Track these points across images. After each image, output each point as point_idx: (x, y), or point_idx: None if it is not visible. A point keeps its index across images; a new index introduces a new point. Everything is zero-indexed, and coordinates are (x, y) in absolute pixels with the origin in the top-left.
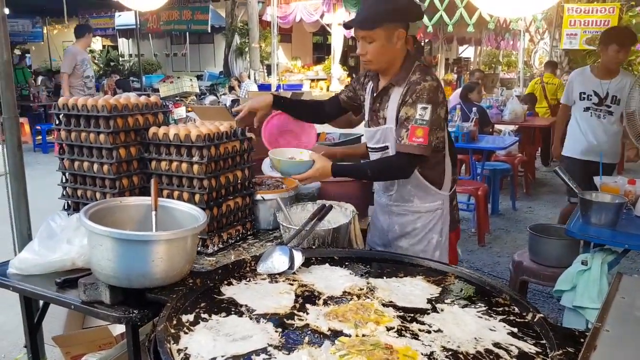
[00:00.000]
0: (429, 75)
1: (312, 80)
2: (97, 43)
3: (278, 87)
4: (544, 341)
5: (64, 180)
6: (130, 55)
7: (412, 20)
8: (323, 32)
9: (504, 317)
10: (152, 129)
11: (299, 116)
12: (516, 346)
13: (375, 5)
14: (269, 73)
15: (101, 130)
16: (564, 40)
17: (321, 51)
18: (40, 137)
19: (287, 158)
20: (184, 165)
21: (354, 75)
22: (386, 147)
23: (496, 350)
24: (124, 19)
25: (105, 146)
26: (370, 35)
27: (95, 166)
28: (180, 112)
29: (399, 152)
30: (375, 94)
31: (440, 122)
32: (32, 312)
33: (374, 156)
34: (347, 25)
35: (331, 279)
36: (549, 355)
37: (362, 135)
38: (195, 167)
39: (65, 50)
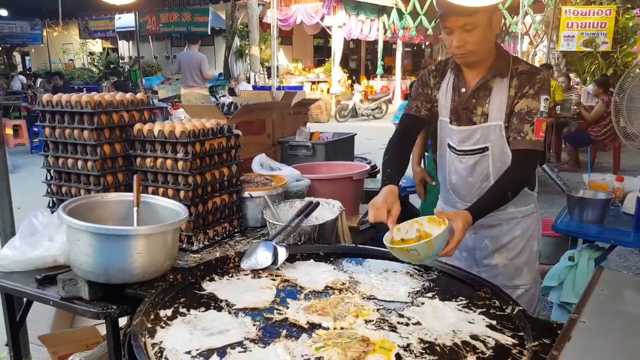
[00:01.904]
0: (536, 65)
1: (313, 82)
2: (97, 45)
3: (278, 88)
4: (521, 333)
5: (48, 178)
6: (130, 57)
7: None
8: (324, 34)
9: (484, 310)
10: (137, 126)
11: (406, 167)
12: (493, 338)
13: None
14: (269, 75)
15: (85, 127)
16: (562, 42)
17: (322, 54)
18: (37, 140)
19: (414, 237)
20: (169, 162)
21: (354, 78)
22: (486, 149)
23: (473, 342)
24: (123, 21)
25: (89, 143)
26: (471, 22)
27: (80, 163)
28: (179, 114)
29: (524, 149)
30: (465, 90)
31: None
32: (14, 310)
33: (465, 160)
34: (442, 15)
35: (314, 274)
36: (525, 347)
37: (355, 134)
38: (180, 163)
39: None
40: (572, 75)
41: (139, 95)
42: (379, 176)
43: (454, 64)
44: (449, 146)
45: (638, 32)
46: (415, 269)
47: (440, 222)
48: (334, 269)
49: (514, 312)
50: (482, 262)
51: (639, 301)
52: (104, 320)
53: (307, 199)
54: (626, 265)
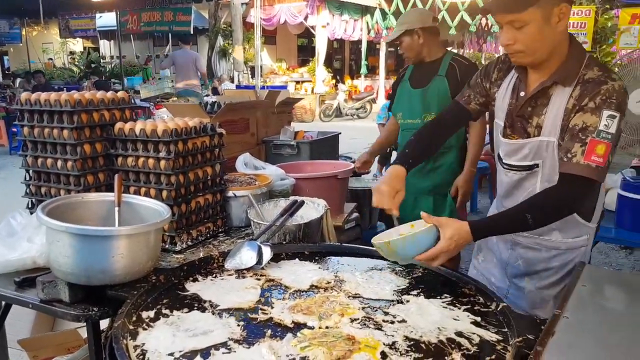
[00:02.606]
0: (614, 73)
1: (297, 82)
2: (78, 44)
3: (262, 87)
4: (506, 329)
5: (27, 178)
6: (112, 57)
7: None
8: (307, 34)
9: (469, 307)
10: (118, 125)
11: (432, 154)
12: (478, 334)
13: None
14: (253, 75)
15: (65, 126)
16: None
17: (306, 53)
18: (17, 140)
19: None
20: (151, 161)
21: (338, 78)
22: (535, 166)
23: (458, 339)
24: (104, 20)
25: (69, 142)
26: (519, 19)
27: (59, 163)
28: (161, 113)
29: (568, 174)
30: (524, 94)
31: (619, 139)
32: None
33: (510, 175)
34: (485, 10)
35: (299, 273)
36: (510, 343)
37: (339, 133)
38: (162, 162)
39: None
40: None
41: (120, 94)
42: (364, 175)
43: None
44: (498, 156)
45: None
46: (400, 267)
47: (429, 225)
48: (319, 267)
49: (498, 309)
50: (512, 280)
51: (620, 296)
52: (85, 323)
53: (292, 198)
54: (607, 262)
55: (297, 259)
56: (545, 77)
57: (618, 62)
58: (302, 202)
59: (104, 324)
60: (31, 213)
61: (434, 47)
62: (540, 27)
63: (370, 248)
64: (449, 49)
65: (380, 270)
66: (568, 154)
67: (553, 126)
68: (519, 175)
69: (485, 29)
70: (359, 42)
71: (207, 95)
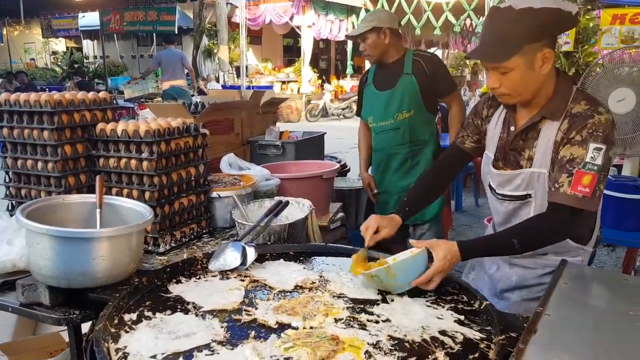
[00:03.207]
0: (601, 105)
1: (283, 82)
2: (61, 44)
3: (248, 87)
4: (489, 327)
5: (7, 180)
6: (95, 57)
7: (563, 31)
8: (293, 34)
9: (452, 305)
10: (100, 125)
11: (431, 202)
12: (461, 333)
13: (508, 26)
14: (239, 75)
15: (45, 127)
16: None
17: (291, 53)
18: None
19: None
20: (133, 162)
21: (324, 78)
22: (528, 196)
23: (442, 337)
24: (87, 20)
25: (49, 143)
26: (504, 66)
27: (40, 164)
28: (145, 114)
29: (555, 203)
30: (514, 128)
31: (608, 168)
32: None
33: (505, 205)
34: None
35: (284, 273)
36: (493, 341)
37: (324, 133)
38: (145, 163)
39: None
40: None
41: (102, 94)
42: (350, 175)
43: None
44: (490, 186)
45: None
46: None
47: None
48: (304, 268)
49: (482, 307)
50: (500, 295)
51: (601, 293)
52: (66, 327)
53: (277, 198)
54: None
55: (281, 260)
56: (534, 113)
57: (599, 62)
58: (287, 203)
59: (86, 327)
60: (11, 215)
61: (397, 48)
62: (523, 72)
63: (357, 248)
64: (433, 49)
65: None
66: (556, 184)
67: (543, 158)
68: (513, 205)
69: (470, 29)
70: (345, 42)
71: (192, 95)
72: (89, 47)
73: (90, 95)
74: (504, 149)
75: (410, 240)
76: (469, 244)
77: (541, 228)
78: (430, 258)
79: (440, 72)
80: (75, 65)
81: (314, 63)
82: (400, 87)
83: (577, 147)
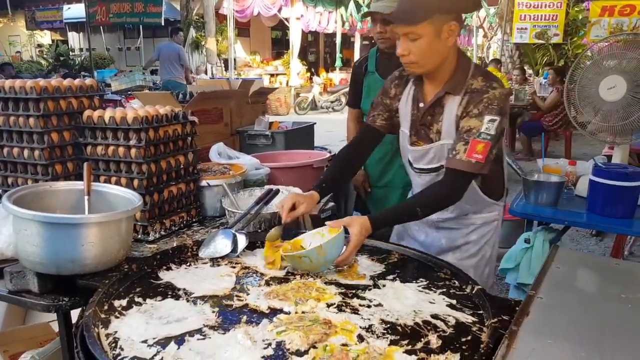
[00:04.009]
0: (495, 80)
1: (272, 75)
2: (46, 37)
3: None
4: (481, 311)
5: None
6: (81, 50)
7: (468, 11)
8: (282, 26)
9: (444, 290)
10: (87, 112)
11: (345, 183)
12: (454, 317)
13: None
14: (227, 67)
15: (31, 114)
16: (515, 34)
17: (280, 46)
18: None
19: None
20: (121, 150)
21: (313, 71)
22: (441, 167)
23: (434, 321)
24: (73, 12)
25: (35, 130)
26: (414, 31)
27: (26, 152)
28: (133, 104)
29: (450, 168)
30: (422, 104)
31: (500, 136)
32: None
33: (424, 178)
34: (386, 20)
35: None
36: (485, 324)
37: (314, 123)
38: (133, 151)
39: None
40: (525, 67)
41: (88, 81)
42: None
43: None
44: (409, 161)
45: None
46: (376, 252)
47: (337, 231)
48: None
49: (473, 292)
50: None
51: (592, 277)
52: (55, 314)
53: (267, 186)
54: (578, 248)
55: None
56: (439, 88)
57: (588, 53)
58: (278, 191)
59: (75, 315)
60: None
61: None
62: (431, 40)
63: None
64: None
65: (356, 256)
66: (453, 152)
67: (449, 131)
68: (429, 177)
69: None
70: (334, 34)
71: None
72: (75, 39)
73: (77, 82)
74: (415, 125)
75: (327, 223)
76: (377, 216)
77: (439, 193)
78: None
79: None
80: (61, 58)
81: (302, 56)
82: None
83: (474, 119)
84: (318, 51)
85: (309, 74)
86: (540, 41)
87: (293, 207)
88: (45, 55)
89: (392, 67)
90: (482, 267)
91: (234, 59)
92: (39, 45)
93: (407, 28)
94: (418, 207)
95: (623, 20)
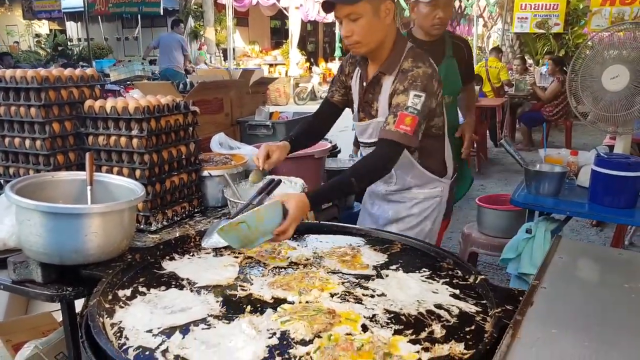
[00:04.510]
0: (423, 62)
1: (271, 65)
2: (44, 27)
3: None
4: (484, 301)
5: None
6: (80, 40)
7: None
8: (281, 16)
9: (447, 280)
10: (88, 102)
11: (308, 145)
12: (457, 306)
13: None
14: (225, 57)
15: (32, 104)
16: (515, 24)
17: (279, 36)
18: None
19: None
20: (123, 140)
21: (312, 61)
22: None
23: (437, 311)
24: (71, 1)
25: (37, 120)
26: (354, 11)
27: (27, 142)
28: (132, 94)
29: (380, 139)
30: (365, 83)
31: (428, 113)
32: None
33: (367, 151)
34: (326, 5)
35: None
36: (489, 314)
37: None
38: (135, 141)
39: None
40: (526, 57)
41: (89, 71)
42: (340, 156)
43: (361, 55)
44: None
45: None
46: (378, 242)
47: (274, 200)
48: (298, 245)
49: (477, 281)
50: (383, 228)
51: (595, 267)
52: (59, 304)
53: (269, 177)
54: (579, 239)
55: None
56: (377, 69)
57: (589, 43)
58: (279, 181)
59: (79, 306)
60: None
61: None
62: (370, 19)
63: (349, 225)
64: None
65: (358, 246)
66: (384, 124)
67: (384, 108)
68: (370, 150)
69: (459, 11)
70: (333, 24)
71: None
72: (73, 29)
73: (78, 71)
74: (361, 102)
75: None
76: (315, 193)
77: (370, 163)
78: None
79: (471, 57)
80: (59, 48)
81: (301, 45)
82: (443, 71)
83: (401, 95)
84: (317, 41)
85: (308, 64)
86: (541, 31)
87: (267, 156)
88: (43, 45)
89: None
90: (429, 238)
91: (233, 49)
92: (37, 35)
93: (348, 9)
94: (352, 177)
95: (624, 9)
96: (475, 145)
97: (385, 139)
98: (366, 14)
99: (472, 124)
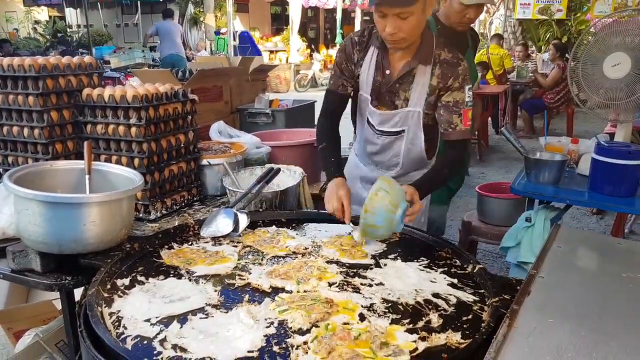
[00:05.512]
0: (457, 52)
1: (271, 51)
2: (43, 13)
3: (235, 53)
4: (482, 290)
5: None
6: (79, 26)
7: None
8: (281, 2)
9: (445, 269)
10: (86, 90)
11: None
12: (455, 296)
13: None
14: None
15: (30, 92)
16: (518, 10)
17: (280, 22)
18: None
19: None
20: (121, 128)
21: (313, 47)
22: (402, 132)
23: (435, 300)
24: None
25: (35, 109)
26: (407, 10)
27: (26, 130)
28: (132, 82)
29: (453, 140)
30: (389, 72)
31: None
32: None
33: (382, 139)
34: (380, 3)
35: (277, 239)
36: (486, 303)
37: (315, 101)
38: (133, 129)
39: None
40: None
41: (87, 59)
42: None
43: (380, 41)
44: (369, 122)
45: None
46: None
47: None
48: (297, 234)
49: (475, 271)
50: None
51: (593, 256)
52: (59, 294)
53: (268, 165)
54: (579, 227)
55: (274, 226)
56: (409, 58)
57: (591, 29)
58: (279, 170)
59: (78, 294)
60: None
61: None
62: (419, 17)
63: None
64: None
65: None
66: (452, 126)
67: (419, 99)
68: (389, 139)
69: None
70: (334, 10)
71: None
72: (72, 15)
73: (75, 59)
74: (378, 91)
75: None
76: (424, 187)
77: (455, 160)
78: None
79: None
80: (59, 35)
81: (302, 32)
82: (467, 59)
83: (457, 92)
84: (318, 27)
85: (309, 51)
86: (544, 17)
87: (342, 206)
88: (42, 32)
89: (453, 43)
90: (419, 217)
91: (233, 35)
92: (36, 22)
93: (402, 8)
94: (449, 174)
95: None
96: (477, 133)
97: (460, 140)
98: (417, 12)
99: (478, 104)
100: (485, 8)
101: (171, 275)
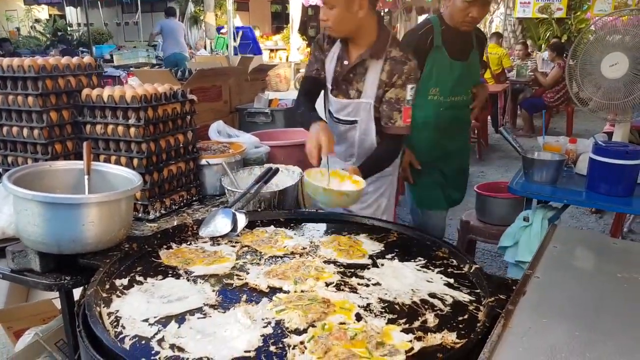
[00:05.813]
0: (409, 52)
1: (271, 50)
2: (44, 12)
3: (235, 52)
4: (478, 290)
5: None
6: (79, 25)
7: None
8: (281, 0)
9: (442, 269)
10: (85, 91)
11: None
12: (451, 295)
13: None
14: None
15: (29, 92)
16: (518, 8)
17: (280, 20)
18: None
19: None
20: (120, 128)
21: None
22: (355, 122)
23: (431, 300)
24: None
25: (34, 109)
26: (329, 1)
27: (25, 131)
28: (133, 81)
29: (391, 134)
30: (347, 63)
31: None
32: None
33: (338, 127)
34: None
35: (275, 239)
36: (482, 303)
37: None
38: (132, 129)
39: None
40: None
41: (87, 59)
42: None
43: None
44: (329, 111)
45: None
46: (375, 231)
47: (343, 177)
48: (295, 234)
49: (471, 270)
50: (343, 209)
51: (589, 256)
52: (58, 293)
53: (267, 165)
54: (577, 226)
55: (272, 226)
56: (362, 51)
57: (591, 28)
58: (277, 170)
59: (78, 294)
60: None
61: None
62: (341, 12)
63: (346, 214)
64: (425, 16)
65: (355, 234)
66: (391, 120)
67: (371, 91)
68: (344, 128)
69: None
70: None
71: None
72: (72, 14)
73: (75, 60)
74: (337, 80)
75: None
76: (366, 168)
77: (391, 151)
78: None
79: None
80: (59, 33)
81: (302, 30)
82: (472, 60)
83: (399, 89)
84: (318, 26)
85: (309, 49)
86: (544, 15)
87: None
88: (43, 31)
89: (460, 47)
90: (379, 216)
91: (233, 34)
92: (37, 21)
93: None
94: (388, 159)
95: None
96: (476, 132)
97: (396, 135)
98: (339, 5)
99: (486, 88)
100: None
101: (169, 275)
